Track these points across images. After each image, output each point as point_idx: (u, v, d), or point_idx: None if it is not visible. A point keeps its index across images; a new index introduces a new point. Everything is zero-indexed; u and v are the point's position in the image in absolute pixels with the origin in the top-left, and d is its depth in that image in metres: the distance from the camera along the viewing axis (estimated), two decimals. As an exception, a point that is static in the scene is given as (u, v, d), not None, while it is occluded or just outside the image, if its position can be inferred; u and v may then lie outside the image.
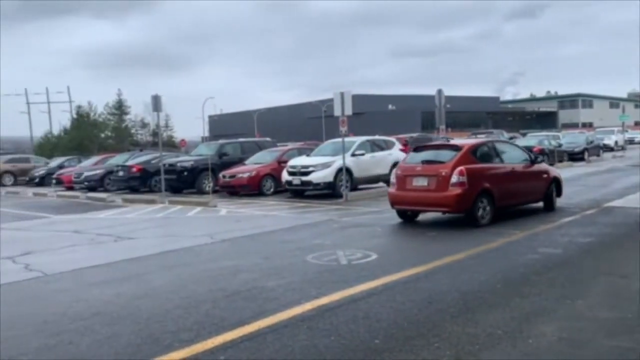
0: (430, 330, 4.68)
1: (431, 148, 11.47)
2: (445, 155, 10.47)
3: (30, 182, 28.86)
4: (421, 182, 10.26)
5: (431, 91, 20.16)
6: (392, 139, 19.94)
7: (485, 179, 10.18)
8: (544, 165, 12.34)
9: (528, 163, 11.43)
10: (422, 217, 11.23)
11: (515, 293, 5.73)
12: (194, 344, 4.52)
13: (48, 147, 49.45)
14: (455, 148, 10.62)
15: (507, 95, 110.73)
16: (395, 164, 18.05)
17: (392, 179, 11.04)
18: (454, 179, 9.77)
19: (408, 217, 11.01)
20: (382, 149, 18.27)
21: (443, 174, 9.92)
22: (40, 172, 29.02)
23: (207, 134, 74.25)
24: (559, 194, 12.13)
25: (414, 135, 31.83)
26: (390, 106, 75.66)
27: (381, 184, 18.11)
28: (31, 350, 4.59)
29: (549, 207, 11.68)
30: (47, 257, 9.01)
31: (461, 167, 9.84)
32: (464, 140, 12.96)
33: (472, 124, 70.31)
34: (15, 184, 29.88)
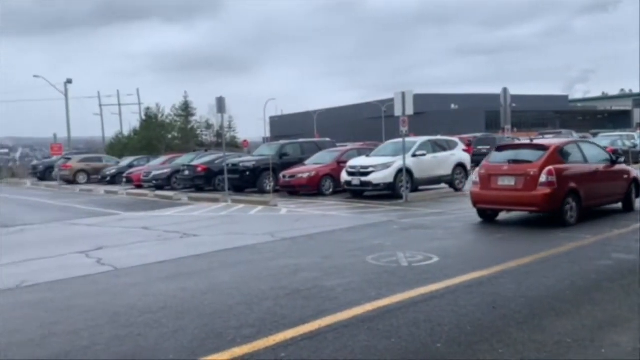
0: (494, 336, 4.55)
1: (515, 147, 11.49)
2: (532, 154, 10.43)
3: (102, 181, 30.35)
4: (507, 181, 10.27)
5: (496, 90, 19.65)
6: (454, 139, 19.52)
7: (572, 178, 10.13)
8: (624, 166, 12.12)
9: (609, 163, 11.31)
10: (488, 219, 10.99)
11: (586, 300, 5.47)
12: (256, 341, 4.60)
13: (119, 147, 51.74)
14: (542, 148, 10.56)
15: (577, 93, 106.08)
16: (458, 165, 17.76)
17: (475, 178, 11.13)
18: (543, 178, 9.76)
19: (488, 217, 11.10)
20: (444, 149, 17.92)
21: (531, 173, 9.90)
22: (111, 171, 30.48)
23: (268, 134, 75.49)
24: (638, 194, 11.91)
25: (478, 135, 30.98)
26: (452, 105, 74.16)
27: (443, 185, 17.79)
28: (104, 340, 4.82)
29: (629, 208, 11.54)
30: (118, 252, 9.44)
31: (550, 167, 9.83)
32: (550, 140, 12.83)
33: (539, 123, 67.77)
34: (88, 182, 31.50)
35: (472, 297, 5.66)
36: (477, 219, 11.09)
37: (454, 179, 17.70)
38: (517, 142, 13.97)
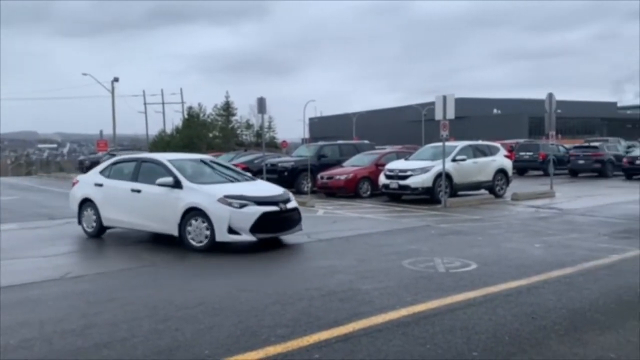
0: (533, 347, 4.43)
1: None
2: None
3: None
4: None
5: (540, 95, 19.23)
6: (496, 144, 19.17)
7: None
8: None
9: None
10: (522, 228, 10.70)
11: (632, 315, 5.27)
12: (290, 341, 4.62)
13: (161, 144, 52.93)
14: None
15: (627, 99, 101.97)
16: (499, 171, 17.42)
17: None
18: None
19: None
20: (485, 154, 17.62)
21: None
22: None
23: (307, 135, 75.83)
24: None
25: (521, 141, 30.29)
26: (495, 110, 72.85)
27: (483, 191, 17.48)
28: (143, 333, 4.93)
29: None
30: (158, 248, 9.61)
31: None
32: None
33: (585, 130, 65.91)
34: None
35: (511, 307, 5.54)
36: (518, 226, 10.84)
37: (495, 185, 17.39)
38: None
